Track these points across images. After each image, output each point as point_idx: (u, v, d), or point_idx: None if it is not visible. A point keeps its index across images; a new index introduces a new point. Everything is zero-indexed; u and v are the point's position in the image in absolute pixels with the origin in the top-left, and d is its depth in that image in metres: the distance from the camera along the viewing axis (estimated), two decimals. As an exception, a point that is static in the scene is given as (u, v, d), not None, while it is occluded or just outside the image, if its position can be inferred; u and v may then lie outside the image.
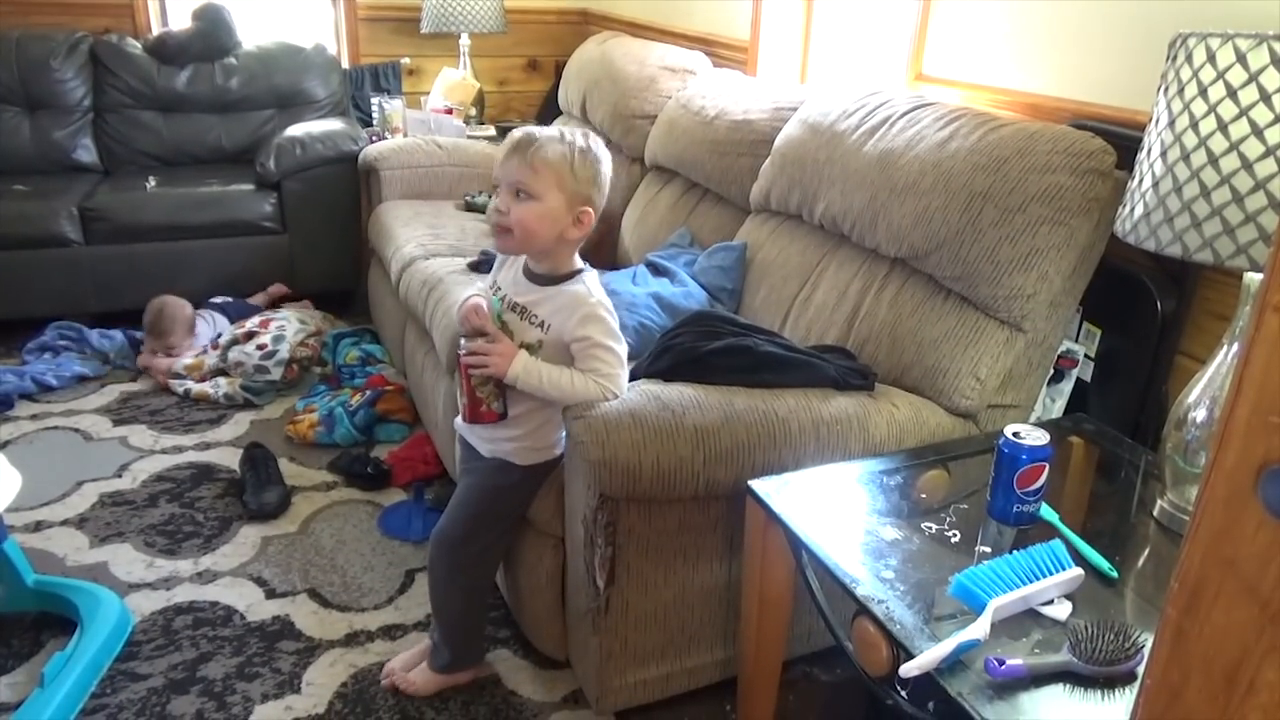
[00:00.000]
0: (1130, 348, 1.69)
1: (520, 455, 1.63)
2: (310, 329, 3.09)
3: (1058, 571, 1.17)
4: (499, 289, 1.63)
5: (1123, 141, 1.59)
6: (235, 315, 3.18)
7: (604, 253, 2.81)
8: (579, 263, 1.59)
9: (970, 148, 1.71)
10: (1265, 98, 1.12)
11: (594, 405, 1.50)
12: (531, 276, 1.58)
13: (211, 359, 2.97)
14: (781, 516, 1.34)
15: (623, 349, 1.55)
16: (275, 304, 3.37)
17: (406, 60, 4.03)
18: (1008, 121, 1.73)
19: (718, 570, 1.61)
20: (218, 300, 3.27)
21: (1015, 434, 1.31)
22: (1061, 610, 1.14)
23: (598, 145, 1.55)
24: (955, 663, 1.05)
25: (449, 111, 3.71)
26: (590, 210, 1.52)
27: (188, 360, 2.96)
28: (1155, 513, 1.36)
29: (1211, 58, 1.16)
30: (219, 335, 3.09)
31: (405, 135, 3.56)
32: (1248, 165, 1.14)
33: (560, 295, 1.54)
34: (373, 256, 3.23)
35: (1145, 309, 1.63)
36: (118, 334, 3.12)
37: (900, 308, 1.81)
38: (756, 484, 1.41)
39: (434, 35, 3.86)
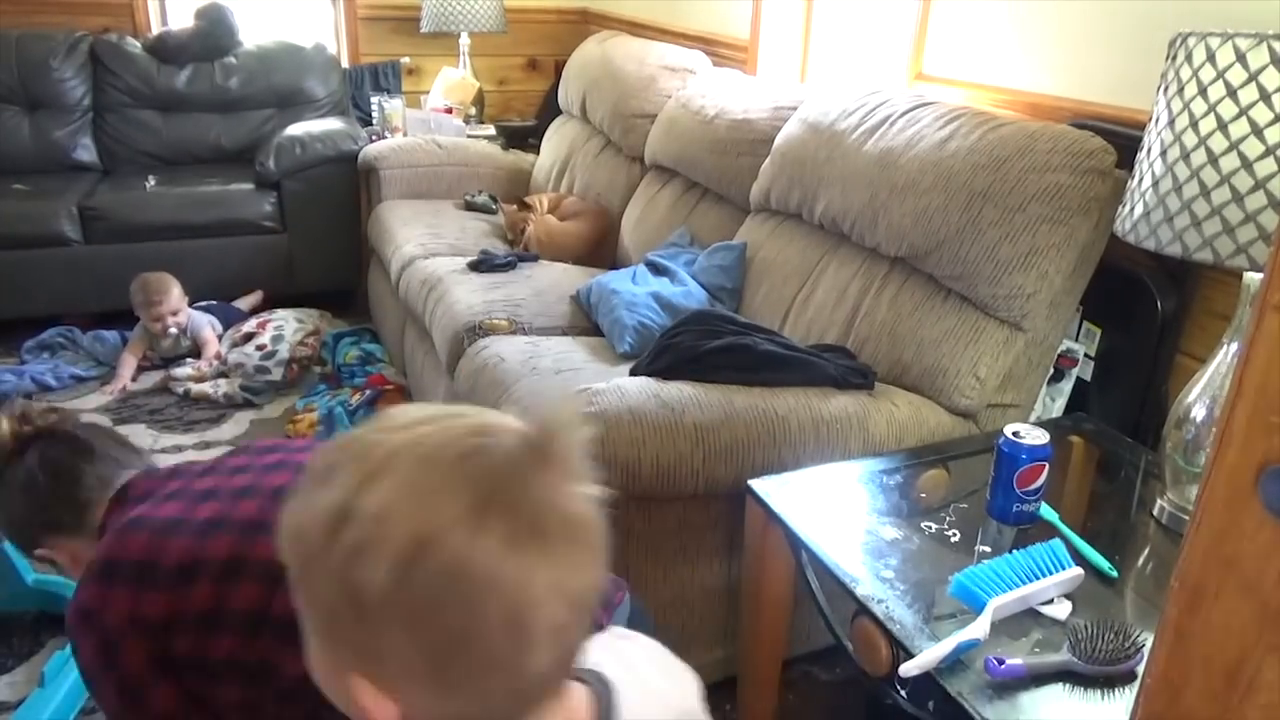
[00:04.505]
0: (1130, 347, 1.69)
1: None
2: (308, 328, 3.09)
3: (1057, 571, 1.16)
4: None
5: (1123, 141, 1.59)
6: (223, 318, 3.16)
7: (604, 252, 2.81)
8: None
9: (970, 147, 1.71)
10: (1265, 97, 1.12)
11: (593, 400, 1.49)
12: None
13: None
14: (781, 516, 1.34)
15: None
16: (256, 310, 3.30)
17: (406, 60, 4.03)
18: (1008, 121, 1.73)
19: (717, 569, 1.61)
20: (202, 304, 3.18)
21: (1015, 433, 1.31)
22: (1061, 610, 1.14)
23: None
24: (955, 662, 1.05)
25: (449, 111, 3.70)
26: None
27: (188, 369, 2.94)
28: (1155, 512, 1.36)
29: (1211, 57, 1.16)
30: (220, 335, 3.09)
31: (405, 135, 3.55)
32: (1247, 164, 1.14)
33: None
34: (373, 256, 3.23)
35: (1145, 308, 1.63)
36: (111, 335, 3.11)
37: (900, 307, 1.81)
38: (756, 483, 1.41)
39: (434, 35, 3.85)
